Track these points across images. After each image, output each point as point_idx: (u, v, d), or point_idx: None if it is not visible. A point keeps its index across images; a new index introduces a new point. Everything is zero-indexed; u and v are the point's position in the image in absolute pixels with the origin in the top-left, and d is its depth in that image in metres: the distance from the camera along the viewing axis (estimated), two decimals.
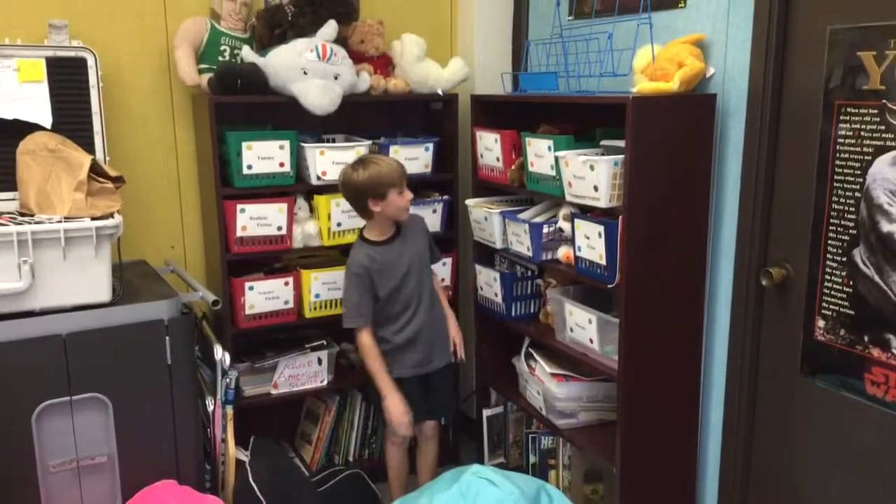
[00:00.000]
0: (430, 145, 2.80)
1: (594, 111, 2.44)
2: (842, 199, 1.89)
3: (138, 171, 2.66)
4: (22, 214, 2.15)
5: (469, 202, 2.75)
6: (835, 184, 1.90)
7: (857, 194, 1.85)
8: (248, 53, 2.55)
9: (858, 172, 1.84)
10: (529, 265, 2.72)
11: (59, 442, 2.11)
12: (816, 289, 1.99)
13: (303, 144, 2.61)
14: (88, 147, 2.33)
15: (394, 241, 2.46)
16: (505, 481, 2.12)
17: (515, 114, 2.72)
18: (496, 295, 2.72)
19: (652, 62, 2.21)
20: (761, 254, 2.12)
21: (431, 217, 2.84)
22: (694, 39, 2.18)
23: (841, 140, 1.87)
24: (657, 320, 2.21)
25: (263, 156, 2.52)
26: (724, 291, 2.24)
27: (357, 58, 2.74)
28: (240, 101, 2.54)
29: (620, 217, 2.10)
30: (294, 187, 2.63)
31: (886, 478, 1.90)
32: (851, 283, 1.90)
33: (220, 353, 2.44)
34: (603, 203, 2.13)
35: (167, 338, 2.18)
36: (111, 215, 2.12)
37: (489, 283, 2.74)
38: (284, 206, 2.57)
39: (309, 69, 2.50)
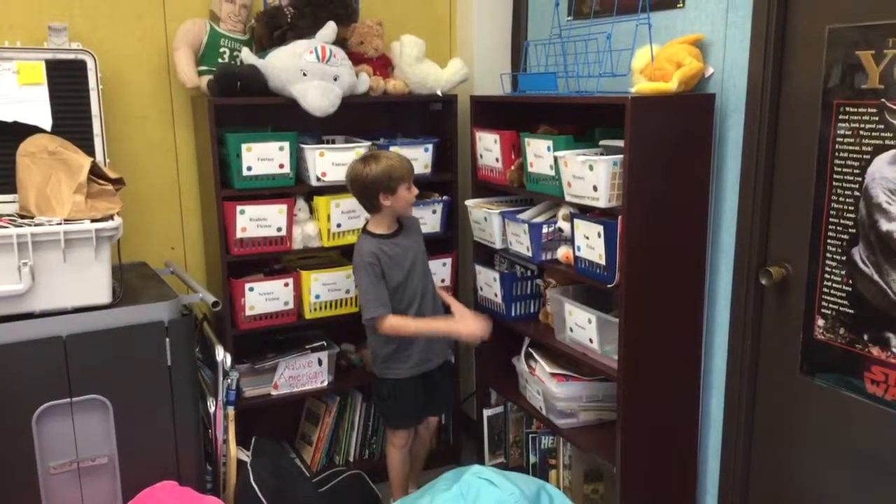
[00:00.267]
0: (430, 146, 2.80)
1: (593, 111, 2.44)
2: (841, 198, 1.89)
3: (138, 173, 2.67)
4: (22, 217, 2.15)
5: (469, 202, 2.76)
6: (834, 183, 1.91)
7: (857, 193, 1.85)
8: (247, 55, 2.56)
9: (857, 171, 1.84)
10: (529, 265, 2.72)
11: (60, 443, 2.11)
12: (816, 288, 1.99)
13: (302, 146, 2.61)
14: (88, 149, 2.33)
15: (398, 235, 2.48)
16: (505, 481, 2.12)
17: (515, 114, 2.72)
18: (496, 295, 2.72)
19: (651, 62, 2.21)
20: (761, 253, 2.12)
21: (431, 217, 2.84)
22: (692, 39, 2.19)
23: (840, 139, 1.88)
24: (657, 320, 2.21)
25: (263, 157, 2.53)
26: (724, 291, 2.25)
27: (356, 59, 2.74)
28: (239, 103, 2.54)
29: (620, 217, 2.10)
30: (294, 188, 2.63)
31: (887, 476, 1.90)
32: (851, 281, 1.90)
33: (221, 354, 2.45)
34: (602, 203, 2.13)
35: (167, 339, 2.19)
36: (111, 217, 2.12)
37: (489, 283, 2.75)
38: (284, 207, 2.58)
39: (308, 70, 2.50)
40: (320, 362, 2.80)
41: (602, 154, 2.23)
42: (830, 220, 1.93)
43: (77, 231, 2.04)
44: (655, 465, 2.33)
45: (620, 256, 2.12)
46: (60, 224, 2.05)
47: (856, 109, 1.83)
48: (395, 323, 2.38)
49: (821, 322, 1.99)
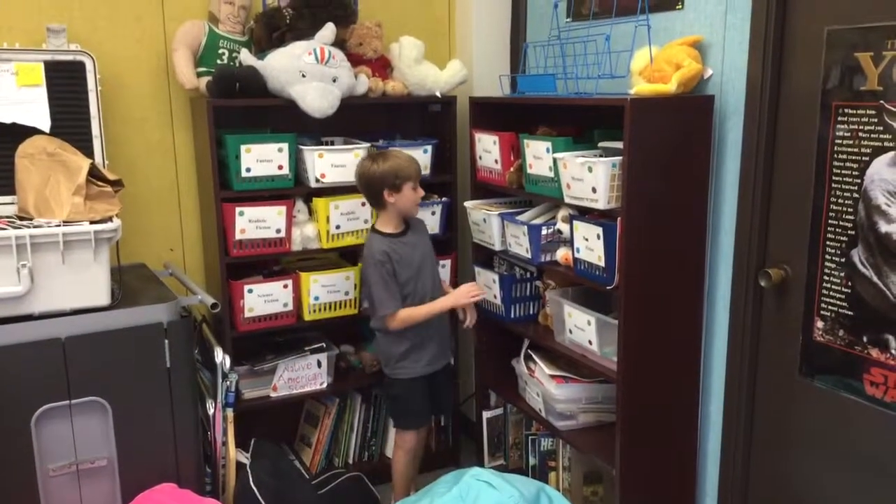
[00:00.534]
0: (429, 147, 2.80)
1: (592, 113, 2.44)
2: (840, 200, 1.89)
3: (137, 174, 2.66)
4: (21, 218, 2.15)
5: (468, 204, 2.75)
6: (833, 184, 1.91)
7: (856, 195, 1.85)
8: (246, 56, 2.56)
9: (856, 173, 1.84)
10: (528, 267, 2.72)
11: (59, 446, 2.11)
12: (815, 289, 1.99)
13: (301, 147, 2.61)
14: (87, 151, 2.33)
15: (406, 234, 2.49)
16: (504, 484, 2.12)
17: (514, 116, 2.72)
18: (495, 297, 2.72)
19: (650, 64, 2.21)
20: (760, 255, 2.12)
21: (430, 219, 2.84)
22: (691, 41, 2.19)
23: (839, 141, 1.88)
24: (656, 322, 2.21)
25: (262, 158, 2.53)
26: (723, 292, 2.25)
27: (355, 60, 2.74)
28: (238, 104, 2.54)
29: (619, 219, 2.10)
30: (293, 190, 2.63)
31: (886, 478, 1.90)
32: (850, 283, 1.90)
33: (220, 355, 2.45)
34: (601, 205, 2.13)
35: (166, 341, 2.18)
36: (110, 219, 2.12)
37: (488, 284, 2.74)
38: (283, 208, 2.57)
39: (307, 72, 2.50)
40: (319, 364, 2.79)
41: (601, 156, 2.22)
42: (829, 221, 1.93)
43: (76, 233, 2.04)
44: (655, 466, 2.32)
45: (620, 258, 2.12)
46: (59, 226, 2.05)
47: (855, 111, 1.83)
48: (405, 316, 2.41)
49: (820, 324, 1.99)
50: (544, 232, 2.43)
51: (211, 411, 2.46)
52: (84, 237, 2.05)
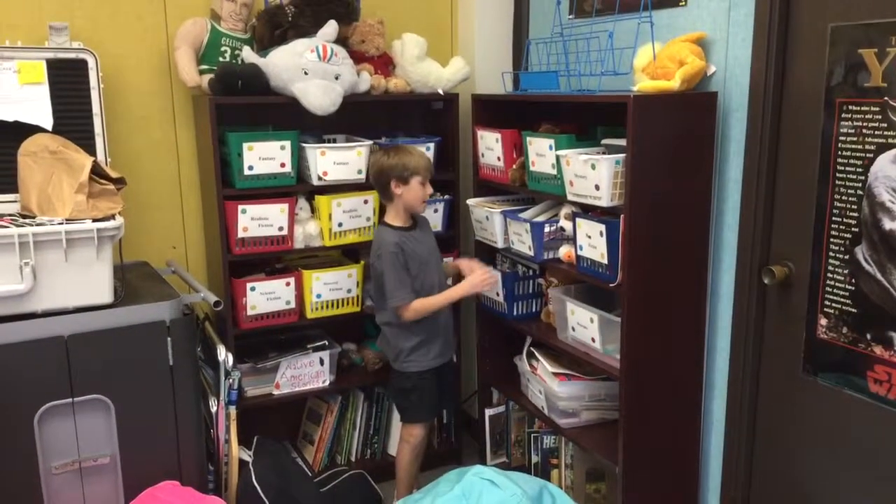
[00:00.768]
0: (431, 145, 2.79)
1: (595, 110, 2.43)
2: (844, 197, 1.89)
3: (139, 172, 2.66)
4: (23, 216, 2.15)
5: (470, 202, 2.75)
6: (836, 181, 1.90)
7: (860, 192, 1.85)
8: (248, 54, 2.55)
9: (860, 170, 1.84)
10: (531, 264, 2.72)
11: (62, 443, 2.11)
12: (818, 287, 1.98)
13: (304, 145, 2.61)
14: (89, 149, 2.33)
15: (414, 229, 2.52)
16: (507, 482, 2.11)
17: (516, 113, 2.72)
18: (498, 294, 2.72)
19: (653, 60, 2.21)
20: (763, 252, 2.12)
21: (433, 216, 2.84)
22: (695, 38, 2.18)
23: (843, 138, 1.87)
24: (659, 319, 2.21)
25: (264, 156, 2.52)
26: (726, 289, 2.24)
27: (357, 58, 2.74)
28: (240, 102, 2.54)
29: (622, 216, 2.10)
30: (295, 188, 2.63)
31: (889, 475, 1.89)
32: (854, 280, 1.90)
33: (222, 353, 2.45)
34: (604, 202, 2.12)
35: (169, 339, 2.18)
36: (112, 217, 2.12)
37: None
38: (286, 206, 2.57)
39: (309, 69, 2.50)
40: (322, 362, 2.80)
41: (604, 153, 2.22)
42: (833, 218, 1.92)
43: (79, 231, 2.04)
44: (657, 464, 2.32)
45: (622, 255, 2.12)
46: (62, 224, 2.05)
47: (859, 108, 1.82)
48: (419, 306, 2.42)
49: (823, 321, 1.98)
50: (547, 229, 2.43)
51: (214, 409, 2.46)
52: (87, 235, 2.05)
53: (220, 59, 2.61)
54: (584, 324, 2.34)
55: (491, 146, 2.64)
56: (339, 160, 2.62)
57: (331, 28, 2.58)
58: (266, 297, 2.62)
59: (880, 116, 1.78)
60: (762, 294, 2.15)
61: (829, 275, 1.95)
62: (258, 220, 2.55)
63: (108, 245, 2.10)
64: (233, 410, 2.50)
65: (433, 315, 2.48)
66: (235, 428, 2.50)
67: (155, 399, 2.20)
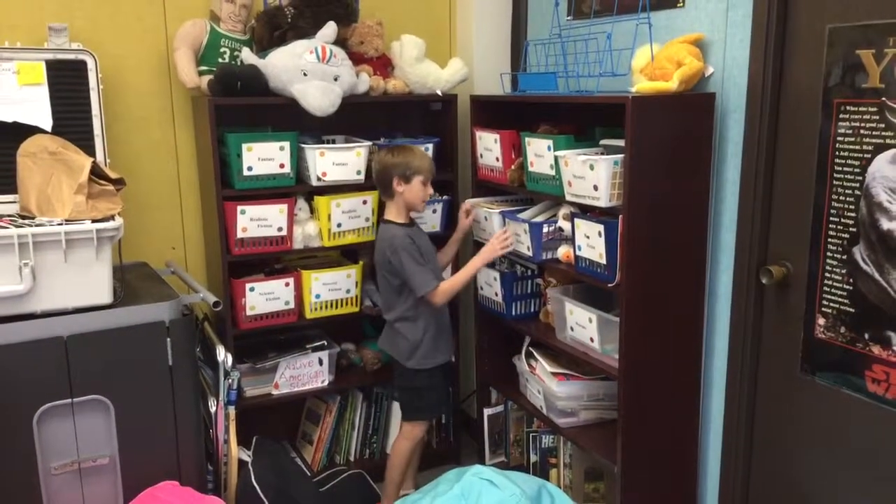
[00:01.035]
0: (430, 146, 2.80)
1: (593, 111, 2.44)
2: (841, 197, 1.89)
3: (139, 173, 2.67)
4: (23, 217, 2.15)
5: (469, 202, 2.75)
6: (834, 182, 1.91)
7: (857, 192, 1.85)
8: (247, 55, 2.56)
9: (858, 170, 1.84)
10: (529, 265, 2.72)
11: (61, 444, 2.11)
12: (816, 286, 1.99)
13: (303, 146, 2.61)
14: (89, 149, 2.33)
15: (414, 226, 2.55)
16: (506, 482, 2.12)
17: (515, 114, 2.72)
18: (496, 294, 2.72)
19: (651, 62, 2.21)
20: (761, 252, 2.13)
21: (431, 217, 2.84)
22: (693, 39, 2.19)
23: (840, 138, 1.88)
24: (657, 319, 2.21)
25: (263, 157, 2.53)
26: (725, 289, 2.25)
27: (356, 59, 2.75)
28: (240, 103, 2.54)
29: (620, 216, 2.10)
30: (294, 188, 2.63)
31: (887, 475, 1.90)
32: (851, 280, 1.90)
33: (222, 353, 2.45)
34: (603, 202, 2.13)
35: (168, 339, 2.19)
36: (112, 217, 2.12)
37: (489, 282, 2.75)
38: (285, 207, 2.58)
39: (308, 70, 2.50)
40: (321, 362, 2.80)
41: (602, 153, 2.23)
42: (831, 218, 1.93)
43: (78, 231, 2.04)
44: (656, 463, 2.33)
45: (621, 256, 2.12)
46: (61, 224, 2.05)
47: (856, 108, 1.83)
48: (447, 286, 2.45)
49: (821, 321, 1.99)
50: (546, 230, 2.44)
51: (213, 409, 2.46)
52: (86, 236, 2.05)
53: (220, 60, 2.61)
54: (582, 324, 2.34)
55: (489, 147, 2.65)
56: (338, 161, 2.62)
57: (330, 29, 2.58)
58: (265, 297, 2.62)
59: (878, 117, 1.78)
60: (760, 294, 2.15)
61: (827, 275, 1.96)
62: (257, 221, 2.55)
63: (107, 246, 2.10)
64: (232, 410, 2.50)
65: (439, 311, 2.51)
66: (234, 428, 2.50)
67: (154, 399, 2.21)
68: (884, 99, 1.77)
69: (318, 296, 2.70)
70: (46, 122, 2.29)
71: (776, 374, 2.15)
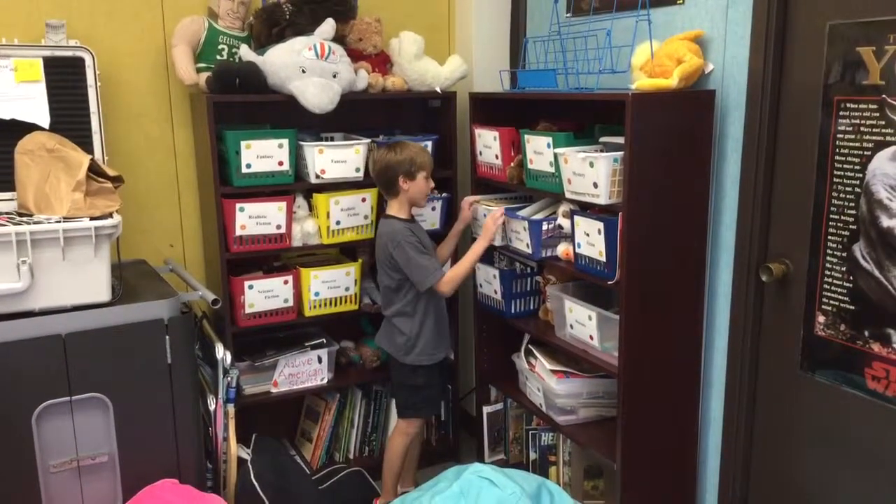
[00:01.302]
0: (429, 143, 2.79)
1: (593, 108, 2.44)
2: (842, 195, 1.89)
3: (137, 170, 2.66)
4: (20, 214, 2.14)
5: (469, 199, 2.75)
6: (834, 179, 1.91)
7: (857, 189, 1.85)
8: (246, 52, 2.55)
9: (858, 167, 1.84)
10: (529, 262, 2.72)
11: (60, 442, 2.11)
12: (816, 284, 1.99)
13: (301, 143, 2.60)
14: (87, 147, 2.32)
15: (414, 222, 2.56)
16: (506, 480, 2.12)
17: (514, 111, 2.72)
18: (496, 292, 2.72)
19: (651, 59, 2.21)
20: (761, 249, 2.12)
21: (430, 214, 2.84)
22: (693, 36, 2.18)
23: (840, 135, 1.87)
24: (657, 316, 2.21)
25: (262, 154, 2.52)
26: (724, 287, 2.25)
27: (355, 56, 2.74)
28: (238, 100, 2.53)
29: (620, 214, 2.10)
30: (293, 186, 2.63)
31: (887, 472, 1.90)
32: (851, 278, 1.90)
33: (221, 351, 2.44)
34: (602, 200, 2.13)
35: (167, 337, 2.18)
36: (110, 215, 2.11)
37: (488, 280, 2.74)
38: (283, 204, 2.57)
39: (307, 67, 2.50)
40: (320, 360, 2.80)
41: (602, 151, 2.22)
42: (831, 216, 1.93)
43: (76, 229, 2.04)
44: (655, 461, 2.33)
45: (621, 253, 2.12)
46: (59, 222, 2.04)
47: (856, 105, 1.83)
48: (453, 275, 2.46)
49: (821, 318, 1.99)
50: (545, 227, 2.43)
51: (212, 407, 2.46)
52: (84, 233, 2.05)
53: (218, 57, 2.60)
54: (582, 321, 2.34)
55: (489, 144, 2.64)
56: (336, 158, 2.62)
57: (328, 26, 2.57)
58: (264, 295, 2.61)
59: (878, 114, 1.78)
60: (760, 291, 2.15)
61: (827, 272, 1.96)
62: (256, 219, 2.54)
63: (105, 243, 2.10)
64: (231, 408, 2.49)
65: (437, 306, 2.52)
66: (234, 426, 2.50)
67: (153, 397, 2.20)
68: (884, 96, 1.77)
69: (317, 293, 2.70)
70: (44, 120, 2.28)
71: (776, 372, 2.15)
